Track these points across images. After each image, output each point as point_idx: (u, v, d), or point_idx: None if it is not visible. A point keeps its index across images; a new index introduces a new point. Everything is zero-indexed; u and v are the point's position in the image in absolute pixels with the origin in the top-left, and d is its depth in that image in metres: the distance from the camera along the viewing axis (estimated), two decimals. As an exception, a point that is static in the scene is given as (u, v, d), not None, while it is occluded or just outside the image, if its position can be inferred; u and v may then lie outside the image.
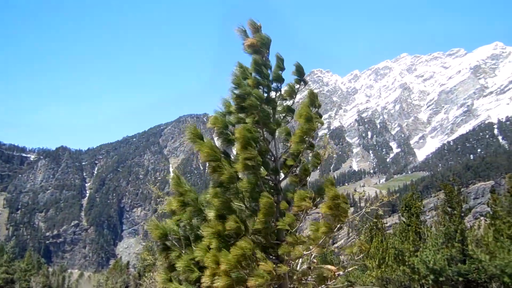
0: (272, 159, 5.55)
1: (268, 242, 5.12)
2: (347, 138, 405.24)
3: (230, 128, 5.55)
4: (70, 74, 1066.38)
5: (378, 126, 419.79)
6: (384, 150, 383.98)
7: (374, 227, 32.35)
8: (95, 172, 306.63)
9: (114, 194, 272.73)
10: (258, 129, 5.40)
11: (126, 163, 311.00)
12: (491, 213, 16.31)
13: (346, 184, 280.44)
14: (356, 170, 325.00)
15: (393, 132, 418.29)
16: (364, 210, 9.14)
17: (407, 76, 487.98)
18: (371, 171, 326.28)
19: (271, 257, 5.04)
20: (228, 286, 4.35)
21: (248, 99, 5.25)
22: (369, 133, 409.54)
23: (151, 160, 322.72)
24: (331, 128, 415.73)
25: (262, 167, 5.18)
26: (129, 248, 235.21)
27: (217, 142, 5.49)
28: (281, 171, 5.47)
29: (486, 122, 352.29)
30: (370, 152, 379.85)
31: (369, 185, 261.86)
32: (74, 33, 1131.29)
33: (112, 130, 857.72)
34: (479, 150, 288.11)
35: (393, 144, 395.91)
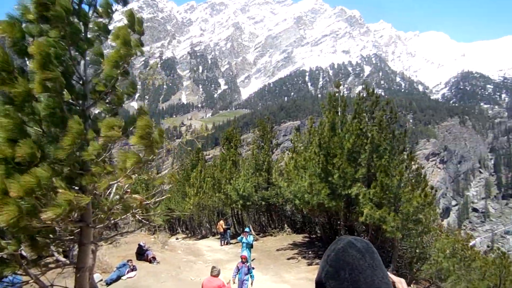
0: (81, 82, 4.91)
1: (72, 172, 4.66)
2: (178, 70, 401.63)
3: (28, 40, 4.56)
4: None
5: (209, 62, 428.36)
6: (213, 85, 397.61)
7: (196, 158, 34.19)
8: None
9: None
10: (65, 46, 4.62)
11: None
12: (292, 148, 19.04)
13: (174, 116, 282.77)
14: (185, 103, 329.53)
15: (222, 69, 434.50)
16: (181, 139, 9.33)
17: (240, 15, 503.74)
18: (199, 105, 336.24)
19: (75, 188, 4.63)
20: (17, 218, 3.75)
21: (52, 8, 4.36)
22: (200, 68, 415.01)
23: None
24: (163, 58, 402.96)
25: (66, 89, 4.51)
26: None
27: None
28: (90, 96, 4.90)
29: (301, 69, 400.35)
30: (200, 86, 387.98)
31: (196, 119, 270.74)
32: None
33: None
34: (292, 94, 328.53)
35: (221, 81, 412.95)
